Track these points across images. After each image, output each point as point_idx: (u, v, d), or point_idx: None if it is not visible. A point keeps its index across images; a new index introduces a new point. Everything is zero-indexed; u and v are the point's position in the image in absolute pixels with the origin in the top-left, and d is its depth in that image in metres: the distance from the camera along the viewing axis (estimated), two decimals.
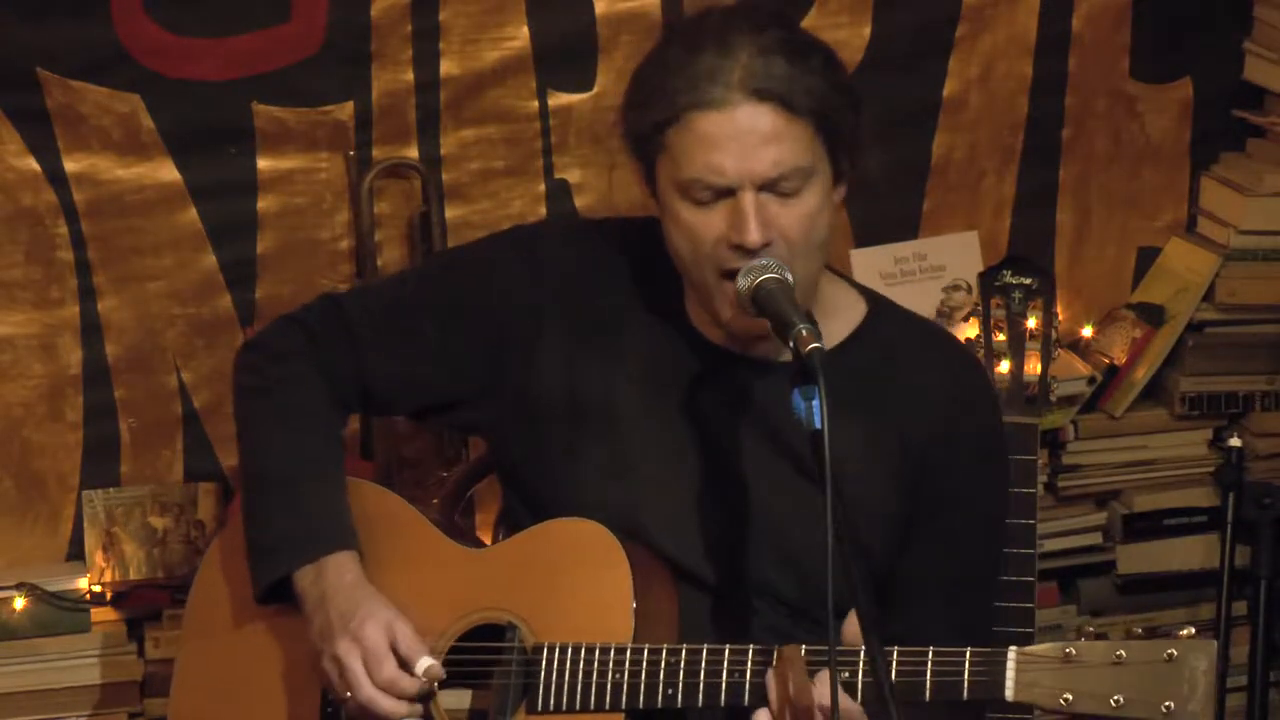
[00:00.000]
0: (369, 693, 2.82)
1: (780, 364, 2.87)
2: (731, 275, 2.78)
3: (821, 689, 2.63)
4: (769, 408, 2.87)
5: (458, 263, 3.12)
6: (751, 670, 2.73)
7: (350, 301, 3.09)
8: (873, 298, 3.00)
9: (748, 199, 2.74)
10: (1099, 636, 2.59)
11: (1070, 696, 2.56)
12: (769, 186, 2.75)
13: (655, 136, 2.79)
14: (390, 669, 2.82)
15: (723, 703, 2.75)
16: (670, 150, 2.78)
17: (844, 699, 2.63)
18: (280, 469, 2.98)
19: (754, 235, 2.74)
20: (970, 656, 2.63)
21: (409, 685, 2.83)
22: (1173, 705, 2.53)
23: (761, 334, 2.78)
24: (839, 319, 2.92)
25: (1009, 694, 2.60)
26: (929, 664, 2.65)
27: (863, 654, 2.67)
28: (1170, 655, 2.54)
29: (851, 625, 2.65)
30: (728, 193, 2.75)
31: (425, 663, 2.83)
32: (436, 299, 3.02)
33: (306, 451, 3.00)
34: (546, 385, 2.95)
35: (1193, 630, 2.56)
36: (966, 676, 2.63)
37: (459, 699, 2.90)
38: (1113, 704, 2.55)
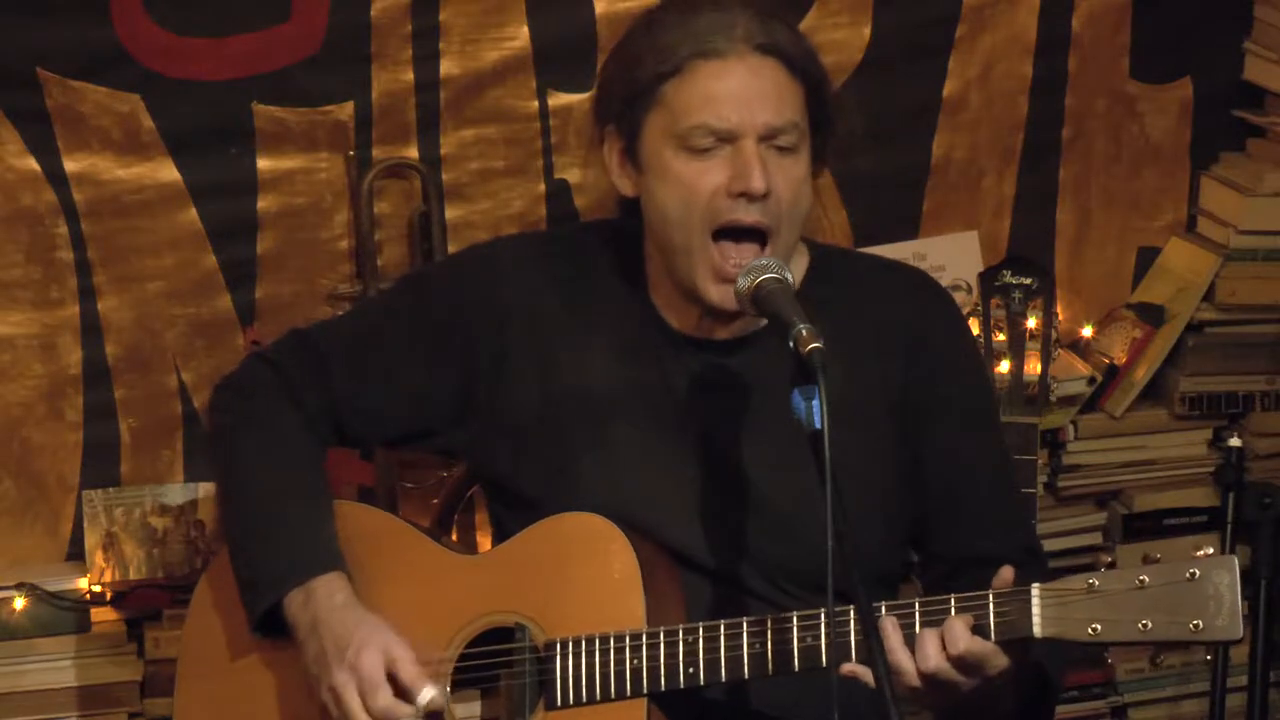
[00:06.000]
0: None
1: (745, 339, 2.88)
2: (721, 235, 2.80)
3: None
4: (744, 385, 2.89)
5: (418, 290, 3.11)
6: (773, 640, 2.73)
7: (318, 335, 3.10)
8: (811, 244, 3.03)
9: (751, 146, 2.78)
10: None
11: (1099, 626, 2.57)
12: (769, 137, 2.78)
13: (650, 91, 2.82)
14: (385, 698, 2.81)
15: (746, 675, 2.75)
16: (667, 102, 2.80)
17: (979, 643, 2.64)
18: (261, 500, 2.98)
19: (759, 181, 2.77)
20: (994, 597, 2.64)
21: (405, 713, 2.82)
22: (1201, 623, 2.54)
23: (737, 311, 2.81)
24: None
25: (1036, 630, 2.61)
26: (952, 611, 2.66)
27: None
28: (1192, 575, 2.54)
29: (1004, 575, 2.67)
30: (728, 141, 2.78)
31: (427, 694, 2.81)
32: (401, 329, 3.02)
33: (286, 481, 2.99)
34: (522, 399, 2.95)
35: (1209, 549, 2.57)
36: (992, 617, 2.64)
37: (472, 706, 2.89)
38: (1141, 628, 2.56)
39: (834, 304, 2.92)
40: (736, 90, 2.77)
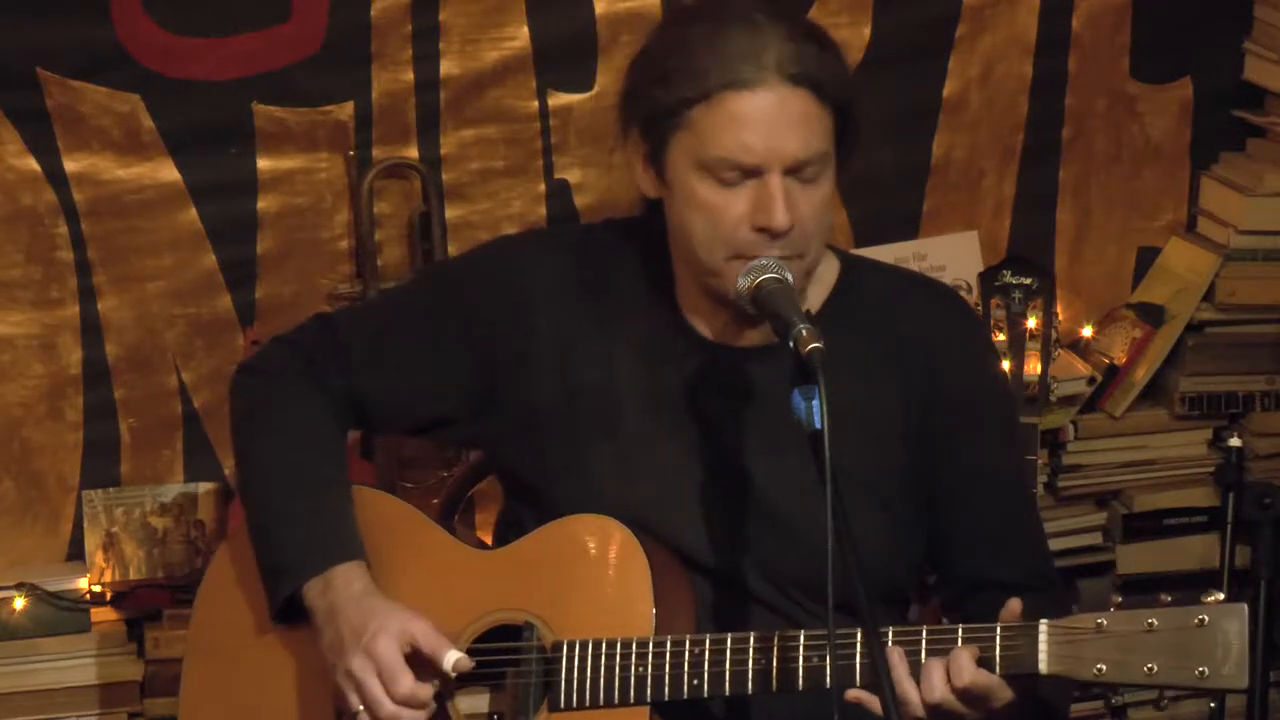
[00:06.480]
0: (390, 709, 2.81)
1: (770, 348, 2.87)
2: (744, 259, 2.79)
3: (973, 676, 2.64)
4: (765, 394, 2.88)
5: (443, 280, 3.11)
6: (778, 657, 2.73)
7: (341, 321, 3.09)
8: (842, 255, 3.01)
9: (775, 181, 2.74)
10: (1127, 607, 2.59)
11: (1104, 666, 2.56)
12: (794, 171, 2.75)
13: (677, 114, 2.77)
14: (407, 683, 2.81)
15: (749, 690, 2.74)
16: (695, 128, 2.76)
17: (984, 676, 2.63)
18: (281, 487, 2.97)
19: (782, 219, 2.74)
20: (1001, 630, 2.64)
21: (427, 695, 2.82)
22: (1206, 670, 2.53)
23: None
24: (816, 281, 2.93)
25: (1042, 666, 2.60)
26: (959, 642, 2.66)
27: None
28: (1201, 621, 2.53)
29: (1012, 607, 2.66)
30: (753, 174, 2.76)
31: (452, 657, 2.81)
32: (423, 319, 3.02)
33: (306, 467, 2.99)
34: (542, 394, 2.95)
35: (1220, 595, 2.56)
36: (998, 651, 2.63)
37: (477, 701, 2.89)
38: (1146, 671, 2.55)
39: (857, 315, 2.91)
40: (763, 124, 2.73)
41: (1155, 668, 2.55)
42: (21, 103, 3.65)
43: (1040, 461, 3.70)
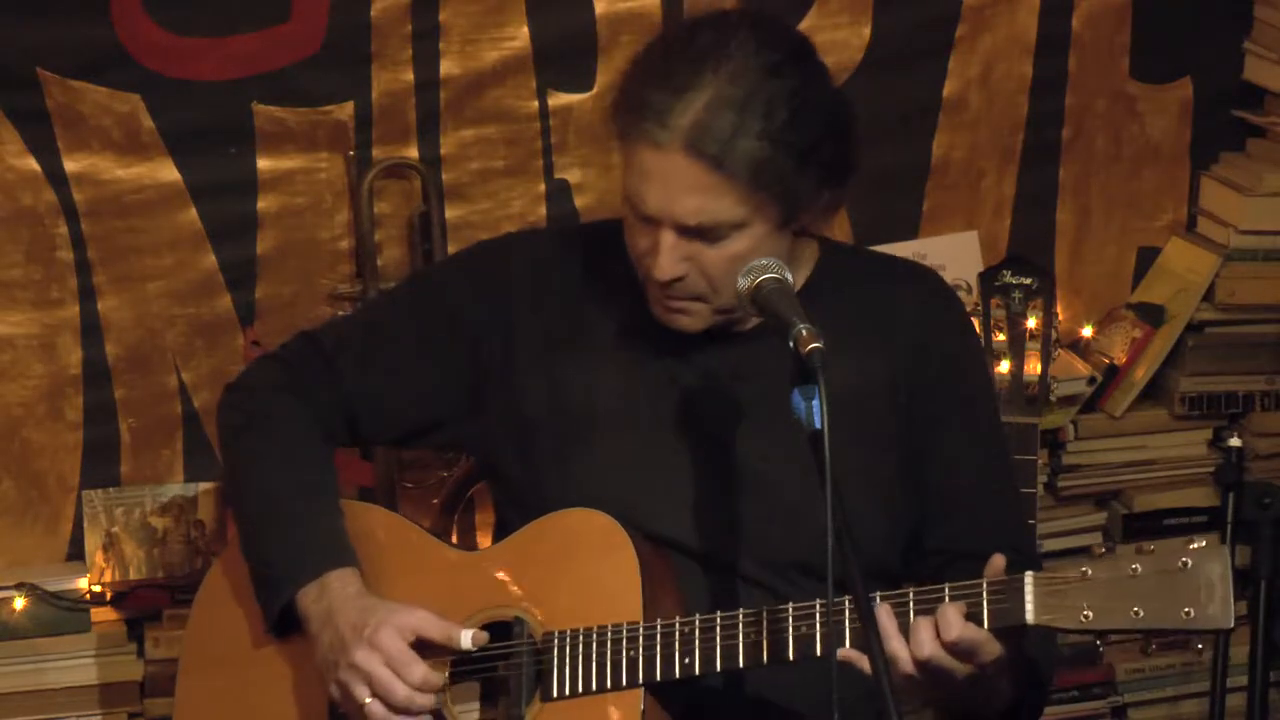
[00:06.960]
0: (404, 693, 2.82)
1: (748, 332, 2.90)
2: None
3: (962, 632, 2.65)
4: (756, 376, 2.90)
5: (427, 284, 3.14)
6: (768, 630, 2.74)
7: (326, 334, 3.12)
8: (822, 241, 3.03)
9: (666, 236, 2.79)
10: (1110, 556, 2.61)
11: (1090, 613, 2.59)
12: (689, 233, 2.78)
13: (623, 136, 2.82)
14: (420, 669, 2.82)
15: (740, 664, 2.76)
16: (626, 155, 2.81)
17: (973, 629, 2.65)
18: (273, 500, 2.99)
19: (661, 273, 2.80)
20: (987, 585, 2.65)
21: (439, 681, 2.84)
22: (1192, 611, 2.55)
23: (704, 327, 2.85)
24: (796, 265, 2.93)
25: (1029, 616, 2.62)
26: (945, 599, 2.67)
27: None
28: (1184, 564, 2.56)
29: (995, 564, 2.68)
30: (651, 221, 2.80)
31: (467, 635, 2.84)
32: (409, 323, 3.04)
33: (296, 480, 3.00)
34: (529, 393, 2.97)
35: (1202, 542, 2.58)
36: (985, 605, 2.65)
37: (470, 697, 2.90)
38: (1133, 615, 2.57)
39: (839, 299, 2.93)
40: (659, 184, 2.76)
41: (1142, 612, 2.57)
42: (21, 103, 3.65)
43: (1040, 461, 3.69)
